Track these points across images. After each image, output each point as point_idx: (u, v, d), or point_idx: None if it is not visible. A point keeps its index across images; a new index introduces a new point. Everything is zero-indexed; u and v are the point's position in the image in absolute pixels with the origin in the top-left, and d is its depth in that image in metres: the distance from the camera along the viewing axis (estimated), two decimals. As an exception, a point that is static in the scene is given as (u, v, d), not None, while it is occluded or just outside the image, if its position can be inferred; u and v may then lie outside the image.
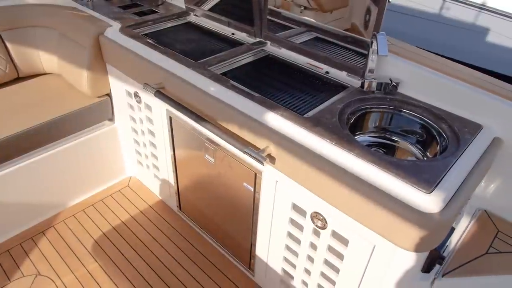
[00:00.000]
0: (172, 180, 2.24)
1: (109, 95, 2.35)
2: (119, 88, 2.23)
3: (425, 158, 1.54)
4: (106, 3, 2.54)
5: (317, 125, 1.41)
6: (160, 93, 1.77)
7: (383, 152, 1.64)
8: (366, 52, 1.73)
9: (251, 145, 1.51)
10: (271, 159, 1.47)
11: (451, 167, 1.25)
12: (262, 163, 1.41)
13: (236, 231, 1.97)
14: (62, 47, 2.33)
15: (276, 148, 1.43)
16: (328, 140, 1.33)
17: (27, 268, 2.08)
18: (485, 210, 1.64)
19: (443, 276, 1.38)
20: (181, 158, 2.05)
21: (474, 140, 1.40)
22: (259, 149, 1.47)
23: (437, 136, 1.47)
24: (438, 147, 1.45)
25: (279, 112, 1.47)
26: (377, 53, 1.46)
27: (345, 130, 1.40)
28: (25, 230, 2.28)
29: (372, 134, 1.67)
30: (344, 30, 1.80)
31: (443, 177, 1.21)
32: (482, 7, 5.21)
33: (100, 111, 2.33)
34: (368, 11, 1.65)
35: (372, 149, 1.64)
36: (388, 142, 1.65)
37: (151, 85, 1.80)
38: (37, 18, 2.36)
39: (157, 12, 2.43)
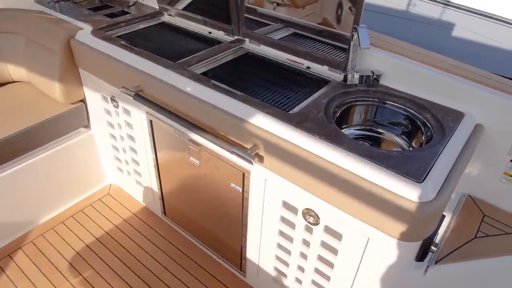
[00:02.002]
0: (155, 185, 2.18)
1: (83, 101, 2.26)
2: (94, 93, 2.15)
3: (411, 149, 1.55)
4: (74, 5, 2.44)
5: (304, 120, 1.39)
6: (140, 97, 1.71)
7: (370, 145, 1.64)
8: (344, 46, 1.73)
9: (237, 145, 1.48)
10: (259, 158, 1.44)
11: (439, 156, 1.27)
12: (251, 163, 1.38)
13: (225, 232, 1.93)
14: (30, 53, 2.22)
15: (263, 146, 1.41)
16: (317, 136, 1.32)
17: (7, 287, 1.97)
18: (470, 195, 1.67)
19: (436, 263, 1.39)
20: (164, 162, 1.99)
21: (458, 128, 1.42)
22: (247, 148, 1.44)
23: (421, 126, 1.49)
24: (423, 137, 1.47)
25: (264, 110, 1.44)
26: (359, 46, 1.46)
27: (332, 124, 1.39)
28: (1, 248, 2.17)
29: (358, 127, 1.67)
30: (316, 24, 1.80)
31: (432, 166, 1.22)
32: (447, 3, 5.36)
33: (74, 118, 2.24)
34: (340, 6, 1.65)
35: (358, 142, 1.64)
36: (374, 134, 1.65)
37: (129, 89, 1.73)
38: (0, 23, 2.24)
39: (129, 13, 2.36)
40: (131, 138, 2.10)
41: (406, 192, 1.14)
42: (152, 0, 2.42)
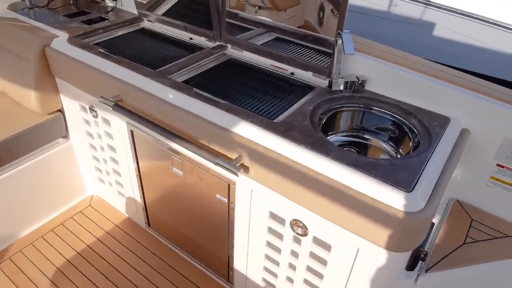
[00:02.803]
0: (137, 196, 2.11)
1: (61, 111, 2.18)
2: (72, 103, 2.07)
3: (398, 155, 1.53)
4: (49, 12, 2.36)
5: (289, 129, 1.35)
6: (119, 107, 1.65)
7: (356, 151, 1.62)
8: (328, 51, 1.70)
9: (222, 156, 1.44)
10: (245, 168, 1.40)
11: (427, 163, 1.25)
12: (236, 174, 1.34)
13: (212, 243, 1.88)
14: (3, 62, 2.13)
15: (249, 156, 1.37)
16: (303, 145, 1.28)
17: (-17, 308, 1.89)
18: (457, 200, 1.66)
19: (426, 271, 1.37)
20: (146, 173, 1.93)
21: (444, 133, 1.41)
22: (231, 159, 1.40)
23: (408, 132, 1.47)
24: (410, 143, 1.45)
25: (249, 119, 1.40)
26: (343, 52, 1.44)
27: (319, 132, 1.36)
28: (-24, 266, 2.07)
29: (344, 134, 1.64)
30: (298, 27, 1.78)
31: (421, 174, 1.20)
32: (428, 3, 5.41)
33: (52, 128, 2.16)
34: (322, 8, 1.63)
35: (345, 148, 1.62)
36: (360, 140, 1.63)
37: (107, 99, 1.67)
38: (-28, 31, 2.15)
39: (107, 19, 2.29)
40: (112, 148, 2.03)
41: (396, 202, 1.11)
42: (131, 6, 2.35)
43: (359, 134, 1.63)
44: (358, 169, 1.19)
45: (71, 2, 2.49)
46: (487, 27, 4.96)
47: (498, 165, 1.51)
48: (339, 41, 1.53)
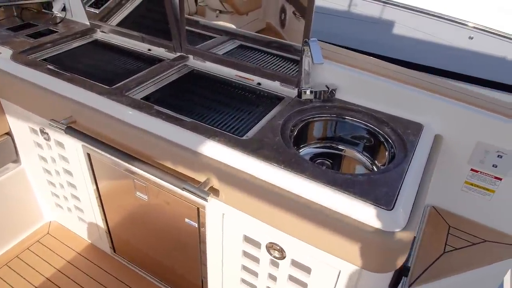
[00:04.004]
0: (100, 221, 1.96)
1: (9, 133, 1.98)
2: (21, 125, 1.89)
3: (374, 167, 1.48)
4: (-10, 25, 2.15)
5: (260, 147, 1.27)
6: (72, 130, 1.50)
7: (330, 163, 1.55)
8: (295, 57, 1.63)
9: (188, 179, 1.33)
10: (214, 191, 1.30)
11: (405, 176, 1.19)
12: (205, 199, 1.23)
13: (183, 267, 1.77)
14: None
15: (218, 179, 1.26)
16: (275, 164, 1.20)
17: None
18: (433, 206, 1.63)
19: (409, 286, 1.33)
20: (107, 197, 1.79)
21: (419, 141, 1.37)
22: (199, 182, 1.29)
23: (383, 142, 1.42)
24: (386, 154, 1.40)
25: (216, 138, 1.30)
26: (312, 61, 1.36)
27: (291, 149, 1.28)
28: None
29: (317, 145, 1.58)
30: (260, 30, 1.70)
31: (400, 188, 1.14)
32: (386, 2, 5.51)
33: (0, 153, 1.97)
34: (283, 10, 1.57)
35: (318, 160, 1.55)
36: (334, 151, 1.57)
37: (59, 121, 1.52)
38: None
39: (56, 31, 2.11)
40: (68, 172, 1.87)
41: (377, 222, 1.05)
42: (82, 16, 2.19)
43: (333, 145, 1.57)
44: (335, 188, 1.12)
45: (15, 14, 2.29)
46: (442, 23, 5.10)
47: (472, 169, 1.49)
48: (306, 50, 1.46)
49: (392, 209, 1.07)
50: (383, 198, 1.10)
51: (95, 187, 1.78)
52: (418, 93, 1.45)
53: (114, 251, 2.08)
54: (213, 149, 1.27)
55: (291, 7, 1.56)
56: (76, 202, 2.01)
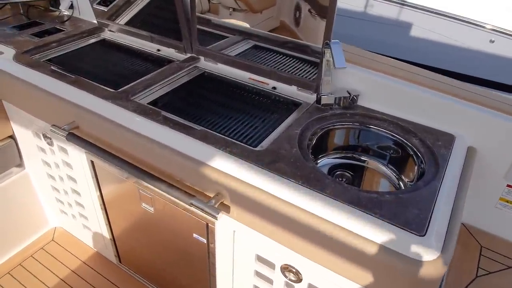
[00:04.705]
0: (105, 231, 1.87)
1: (12, 137, 1.90)
2: (24, 128, 1.81)
3: (400, 182, 1.35)
4: (-4, 23, 2.08)
5: (275, 160, 1.15)
6: (74, 136, 1.40)
7: (351, 175, 1.43)
8: (312, 59, 1.52)
9: (197, 193, 1.22)
10: (225, 207, 1.19)
11: (437, 195, 1.07)
12: (215, 217, 1.13)
13: (191, 279, 1.66)
14: None
15: (229, 194, 1.15)
16: (293, 180, 1.08)
17: None
18: (463, 223, 1.50)
19: (439, 316, 1.20)
20: (112, 207, 1.69)
21: (451, 155, 1.24)
22: (210, 197, 1.19)
23: (412, 155, 1.29)
24: (415, 168, 1.27)
25: (227, 149, 1.19)
26: (334, 65, 1.24)
27: (310, 162, 1.16)
28: None
29: (336, 155, 1.45)
30: (274, 28, 1.60)
31: (433, 209, 1.02)
32: (404, 3, 5.35)
33: (3, 157, 1.89)
34: (298, 8, 1.47)
35: (338, 172, 1.43)
36: (356, 162, 1.44)
37: (60, 127, 1.42)
38: None
39: (62, 30, 2.02)
40: (72, 179, 1.78)
41: (407, 250, 0.93)
42: (90, 14, 2.10)
43: (354, 156, 1.44)
44: (360, 209, 1.00)
45: (21, 12, 2.21)
46: (461, 25, 4.91)
47: (508, 185, 1.35)
48: (327, 52, 1.34)
49: (424, 235, 0.94)
50: (414, 222, 0.97)
51: (99, 194, 1.68)
52: (450, 100, 1.32)
53: (120, 261, 1.99)
54: (224, 162, 1.16)
55: (306, 5, 1.45)
56: (80, 209, 1.92)
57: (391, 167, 1.38)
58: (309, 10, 1.47)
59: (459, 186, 1.15)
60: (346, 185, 1.08)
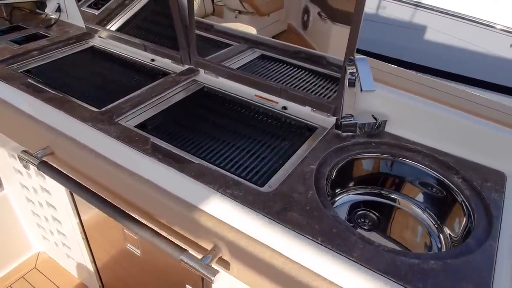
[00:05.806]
0: (88, 263, 1.65)
1: (-13, 155, 1.69)
2: (0, 147, 1.60)
3: (441, 235, 1.10)
4: (-26, 27, 1.87)
5: (287, 208, 0.92)
6: (46, 165, 1.18)
7: (376, 217, 1.19)
8: (327, 72, 1.30)
9: (190, 243, 0.99)
10: (223, 263, 0.96)
11: (496, 259, 0.83)
12: (210, 279, 0.90)
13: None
14: None
15: (229, 249, 0.92)
16: (309, 237, 0.85)
17: None
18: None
19: None
20: (95, 241, 1.47)
21: (505, 199, 1.00)
22: (205, 249, 0.96)
23: (456, 198, 1.05)
24: (462, 217, 1.03)
25: (228, 191, 0.96)
26: (360, 88, 1.01)
27: (330, 210, 0.93)
28: None
29: (359, 191, 1.22)
30: (280, 32, 1.40)
31: (492, 283, 0.78)
32: (418, 5, 5.10)
33: (-22, 177, 1.68)
34: (306, 11, 1.28)
35: (359, 212, 1.19)
36: (383, 200, 1.21)
37: (32, 153, 1.20)
38: None
39: (47, 36, 1.81)
40: (52, 206, 1.56)
41: None
42: (79, 18, 1.88)
43: (382, 193, 1.21)
44: (399, 282, 0.77)
45: (4, 15, 1.99)
46: (480, 28, 4.66)
47: None
48: (349, 70, 1.10)
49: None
50: (471, 302, 0.74)
51: (80, 227, 1.46)
52: (500, 131, 1.08)
53: (106, 295, 1.77)
54: (224, 208, 0.93)
55: (315, 8, 1.26)
56: (62, 238, 1.70)
57: (428, 210, 1.14)
58: (318, 13, 1.26)
59: (518, 243, 0.91)
60: (377, 244, 0.85)
